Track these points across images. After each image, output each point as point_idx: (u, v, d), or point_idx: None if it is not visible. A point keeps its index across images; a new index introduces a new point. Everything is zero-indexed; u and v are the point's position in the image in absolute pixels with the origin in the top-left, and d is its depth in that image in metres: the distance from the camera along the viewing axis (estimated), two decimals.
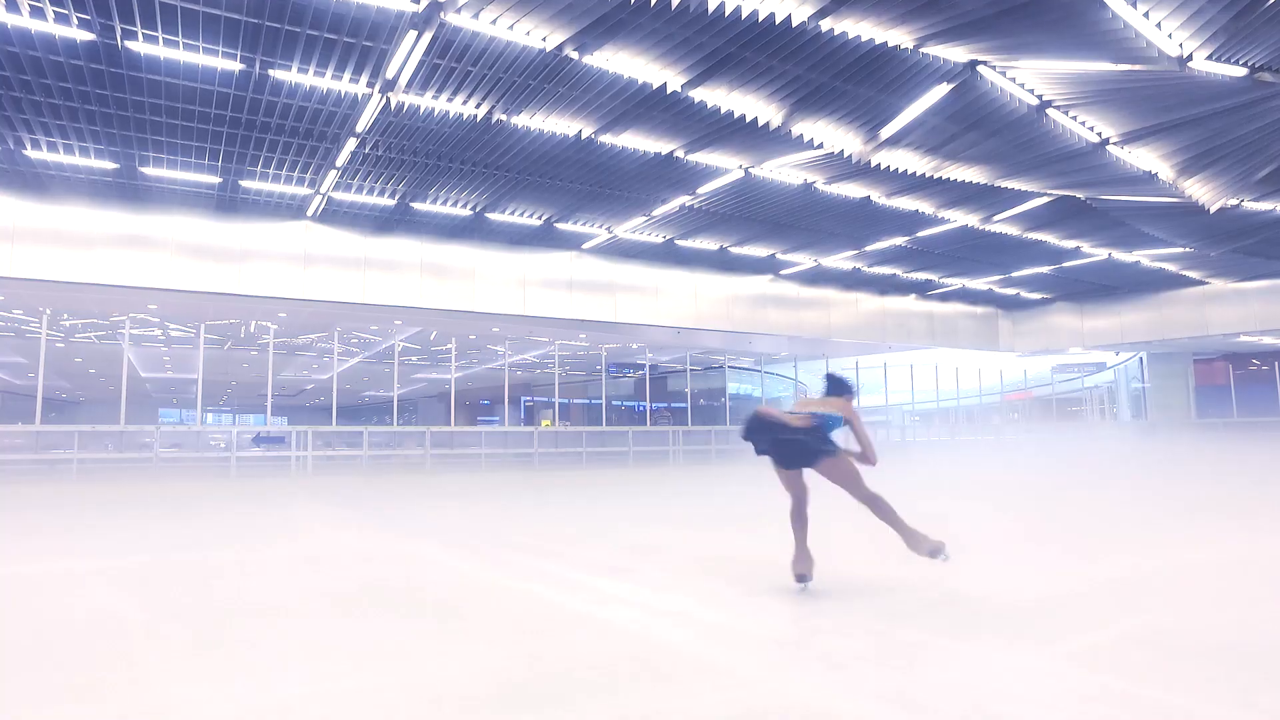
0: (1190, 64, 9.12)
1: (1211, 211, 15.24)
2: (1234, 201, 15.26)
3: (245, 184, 13.78)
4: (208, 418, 55.06)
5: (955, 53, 9.37)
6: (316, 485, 12.72)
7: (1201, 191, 14.15)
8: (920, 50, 9.23)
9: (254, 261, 15.44)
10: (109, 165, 12.51)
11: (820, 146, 11.94)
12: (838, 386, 4.54)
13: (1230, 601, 3.69)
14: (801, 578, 4.19)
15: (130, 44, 8.79)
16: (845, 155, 12.29)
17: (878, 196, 14.86)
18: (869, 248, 18.89)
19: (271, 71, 9.69)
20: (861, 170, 13.14)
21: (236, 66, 9.47)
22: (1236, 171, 13.45)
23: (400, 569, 4.97)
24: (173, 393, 41.54)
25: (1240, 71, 9.55)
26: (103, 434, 16.12)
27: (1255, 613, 3.48)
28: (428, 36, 8.98)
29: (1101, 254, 20.43)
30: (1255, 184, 14.26)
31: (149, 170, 12.78)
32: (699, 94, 10.26)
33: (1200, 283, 24.68)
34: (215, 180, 13.50)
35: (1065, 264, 21.60)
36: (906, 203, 15.29)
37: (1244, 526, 6.47)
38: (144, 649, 3.15)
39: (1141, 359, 33.77)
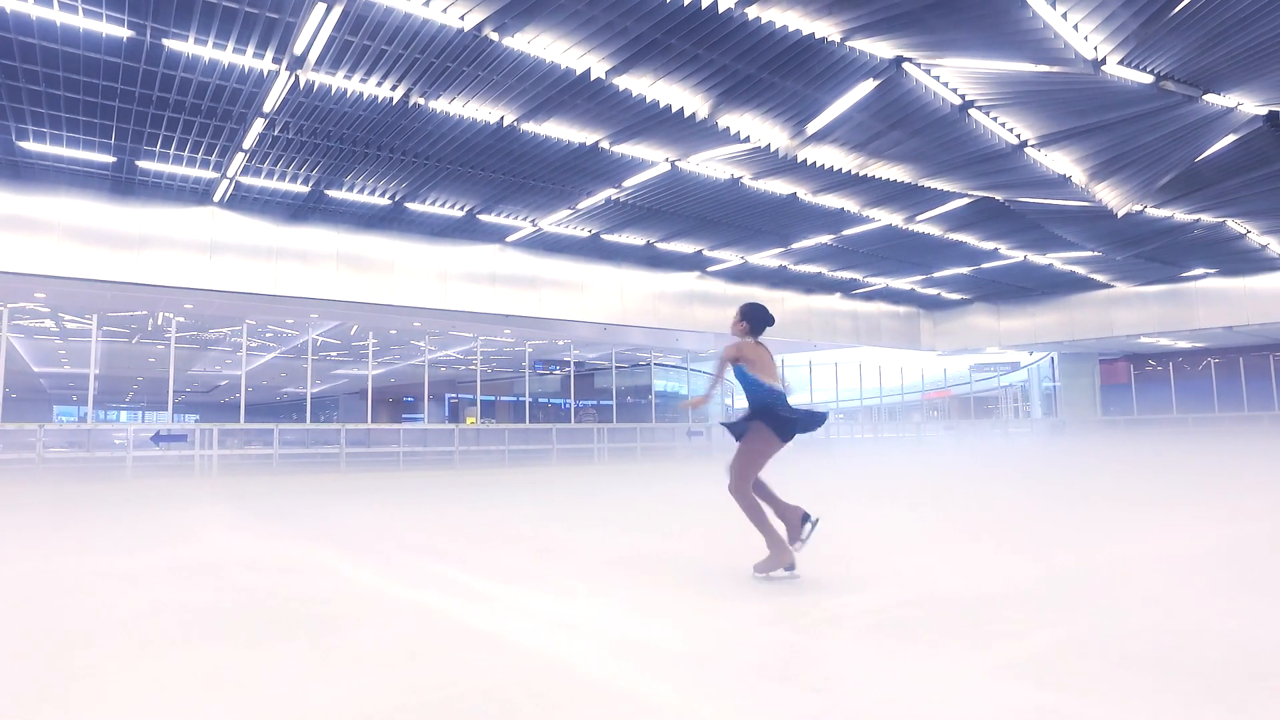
0: (1104, 67, 9.34)
1: (1119, 216, 15.84)
2: (1138, 207, 15.90)
3: (143, 165, 12.88)
4: (121, 415, 51.98)
5: (881, 48, 9.37)
6: (217, 486, 11.95)
7: (1110, 196, 14.67)
8: (846, 44, 9.19)
9: (154, 249, 14.48)
10: None
11: (747, 140, 11.84)
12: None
13: (1159, 601, 3.62)
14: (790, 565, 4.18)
15: None
16: (772, 150, 12.22)
17: (804, 193, 14.90)
18: (795, 245, 19.00)
19: (165, 41, 9.00)
20: (788, 166, 13.11)
21: (124, 33, 8.74)
22: (1141, 178, 13.98)
23: (286, 577, 4.55)
24: (70, 389, 39.06)
25: (1147, 79, 9.85)
26: None
27: (1185, 613, 3.42)
28: (338, 10, 8.47)
29: (1018, 256, 21.09)
30: (1157, 191, 14.87)
31: (29, 145, 11.78)
32: (624, 82, 10.00)
33: (1106, 286, 25.81)
34: (108, 160, 12.56)
35: (984, 265, 22.24)
36: (832, 200, 15.39)
37: (1162, 521, 6.58)
38: None
39: (1053, 359, 35.22)
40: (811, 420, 4.24)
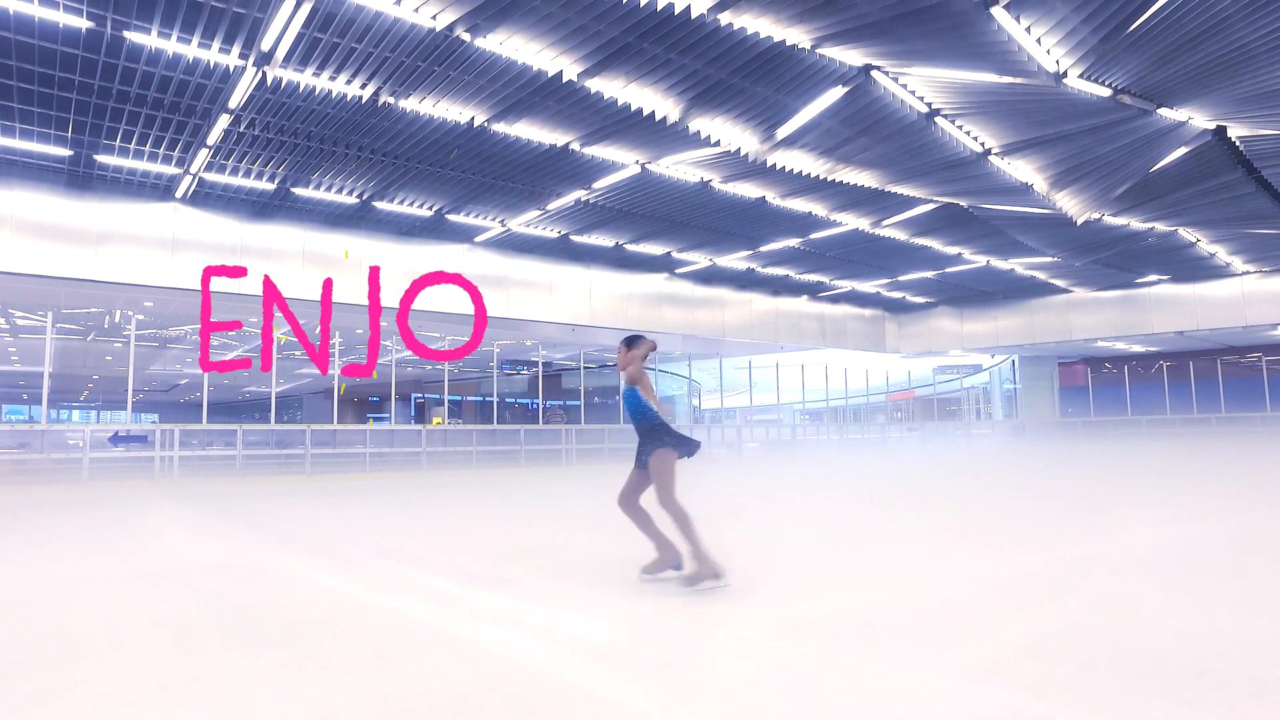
0: (1065, 80, 9.59)
1: (1077, 224, 16.25)
2: (1096, 215, 16.32)
3: (102, 159, 12.57)
4: (74, 415, 50.61)
5: (850, 56, 9.51)
6: (179, 488, 11.73)
7: (1069, 204, 15.04)
8: (817, 51, 9.31)
9: (113, 245, 14.12)
10: None
11: (717, 144, 11.92)
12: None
13: (1119, 601, 3.74)
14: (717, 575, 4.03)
15: None
16: (742, 154, 12.33)
17: (773, 197, 15.04)
18: (763, 248, 19.16)
19: (127, 34, 8.79)
20: (757, 170, 13.23)
21: (83, 24, 8.53)
22: (1099, 187, 14.36)
23: (253, 583, 4.49)
24: (21, 387, 37.96)
25: (1105, 92, 10.13)
26: None
27: (1143, 613, 3.53)
28: (307, 7, 8.35)
29: (981, 261, 21.49)
30: (1114, 200, 15.28)
31: None
32: (595, 84, 10.02)
33: (1065, 291, 26.44)
34: (65, 153, 12.24)
35: (948, 269, 22.62)
36: (800, 204, 15.55)
37: (1120, 521, 6.76)
38: None
39: (1013, 361, 35.93)
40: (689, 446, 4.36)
